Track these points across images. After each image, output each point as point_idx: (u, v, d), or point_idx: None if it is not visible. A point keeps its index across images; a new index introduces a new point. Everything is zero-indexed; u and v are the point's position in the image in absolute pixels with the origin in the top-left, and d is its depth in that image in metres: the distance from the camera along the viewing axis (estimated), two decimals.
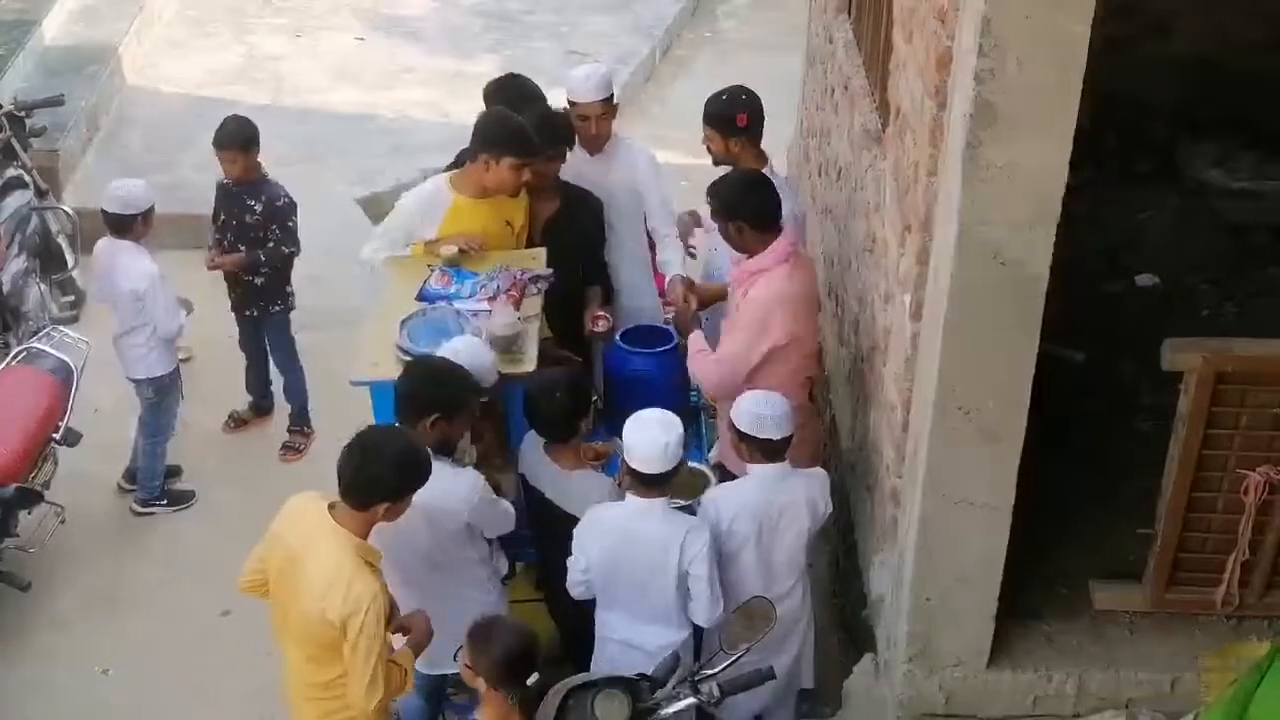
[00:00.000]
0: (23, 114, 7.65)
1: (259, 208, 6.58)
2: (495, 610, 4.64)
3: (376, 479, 4.15)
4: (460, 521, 4.69)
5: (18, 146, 7.55)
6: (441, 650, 4.51)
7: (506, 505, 4.86)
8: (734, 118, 5.64)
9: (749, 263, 5.17)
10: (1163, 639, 4.72)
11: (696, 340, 5.41)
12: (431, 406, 4.52)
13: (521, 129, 5.48)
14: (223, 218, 6.69)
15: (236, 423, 7.20)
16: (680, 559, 4.50)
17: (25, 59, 9.39)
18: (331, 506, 4.23)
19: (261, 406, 7.24)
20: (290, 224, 6.63)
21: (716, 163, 5.78)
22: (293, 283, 6.86)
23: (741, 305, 5.21)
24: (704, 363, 5.28)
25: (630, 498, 4.60)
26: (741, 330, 5.16)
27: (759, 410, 4.69)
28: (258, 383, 7.19)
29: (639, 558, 4.56)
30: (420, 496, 4.43)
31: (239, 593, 4.55)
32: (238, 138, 6.53)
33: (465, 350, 4.82)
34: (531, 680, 3.99)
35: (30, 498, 5.89)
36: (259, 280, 6.70)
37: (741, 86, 5.81)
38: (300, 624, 4.24)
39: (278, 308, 6.84)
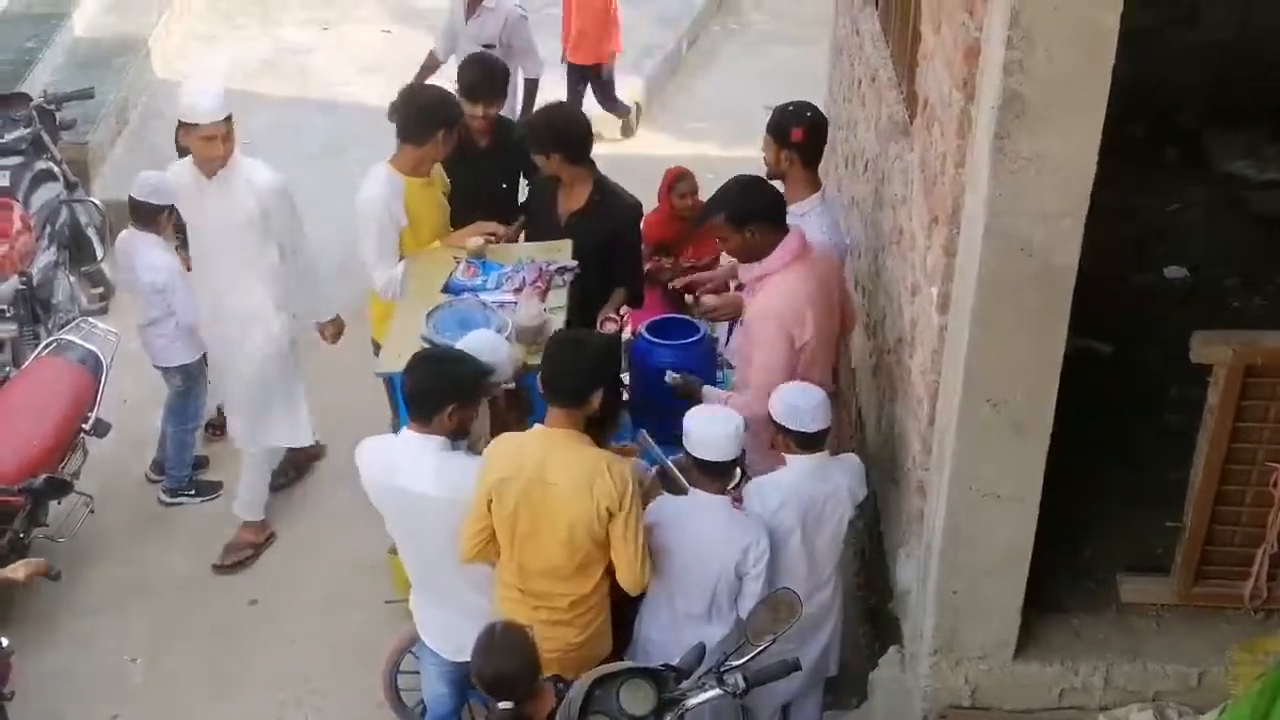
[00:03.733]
0: (53, 107, 7.71)
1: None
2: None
3: (589, 373, 4.41)
4: None
5: (48, 139, 7.61)
6: (465, 639, 4.51)
7: None
8: (789, 130, 5.51)
9: (756, 267, 5.05)
10: (1190, 632, 4.69)
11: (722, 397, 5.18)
12: (446, 398, 4.48)
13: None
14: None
15: None
16: (744, 561, 4.53)
17: (55, 52, 9.46)
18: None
19: None
20: None
21: (770, 176, 5.56)
22: None
23: (751, 322, 5.05)
24: (742, 408, 4.90)
25: (695, 492, 4.61)
26: (761, 355, 4.97)
27: (795, 402, 4.69)
28: None
29: (696, 551, 4.56)
30: (436, 488, 4.47)
31: (463, 562, 4.56)
32: None
33: (480, 345, 4.81)
34: (502, 706, 3.96)
35: (60, 488, 5.93)
36: None
37: (808, 103, 5.69)
38: (564, 538, 4.38)
39: None
